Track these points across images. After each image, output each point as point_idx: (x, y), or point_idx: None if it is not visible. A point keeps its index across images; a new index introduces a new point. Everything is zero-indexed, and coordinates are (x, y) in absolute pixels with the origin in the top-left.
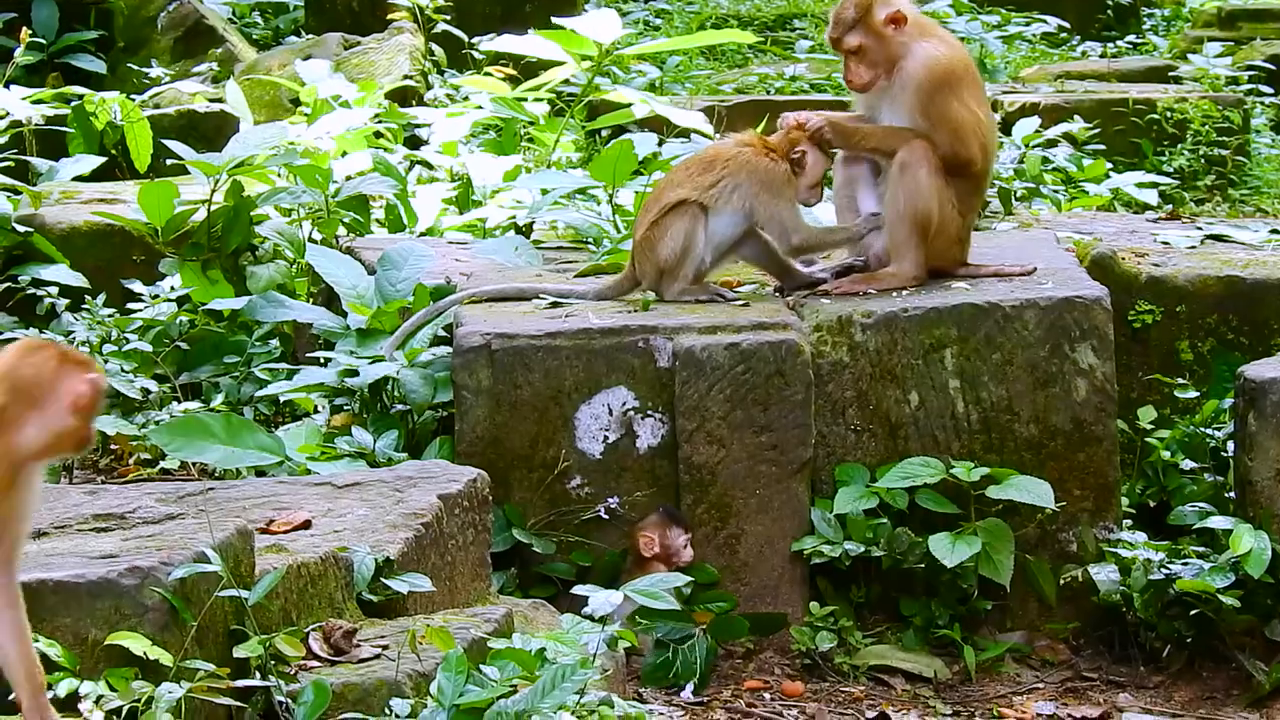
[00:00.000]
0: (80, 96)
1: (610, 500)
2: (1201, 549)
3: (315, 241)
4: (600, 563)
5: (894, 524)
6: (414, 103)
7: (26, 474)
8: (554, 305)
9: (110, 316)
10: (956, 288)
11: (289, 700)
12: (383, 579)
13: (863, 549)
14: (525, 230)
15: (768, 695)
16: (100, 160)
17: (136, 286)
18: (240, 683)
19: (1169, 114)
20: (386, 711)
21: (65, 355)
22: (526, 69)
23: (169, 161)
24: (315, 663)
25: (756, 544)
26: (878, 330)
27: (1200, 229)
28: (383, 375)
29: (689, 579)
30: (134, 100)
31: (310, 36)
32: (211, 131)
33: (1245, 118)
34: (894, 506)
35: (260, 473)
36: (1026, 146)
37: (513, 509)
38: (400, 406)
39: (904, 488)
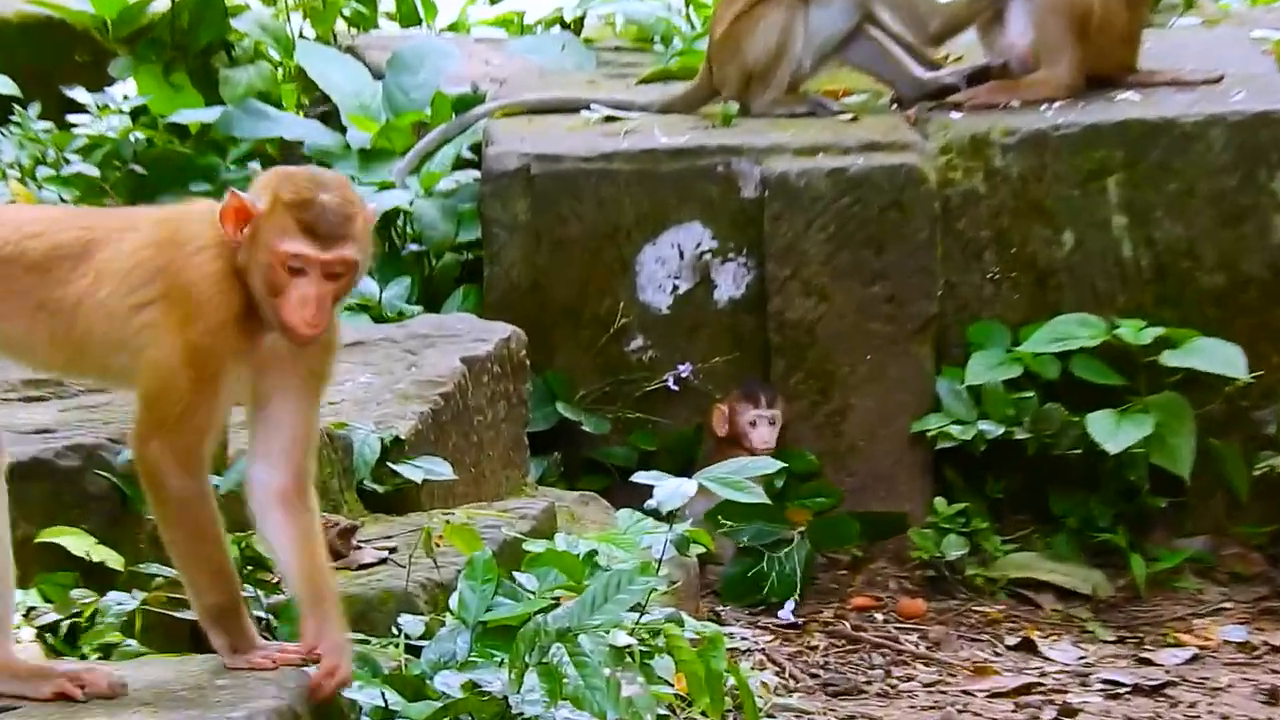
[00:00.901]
0: None
1: (680, 367)
2: None
3: (307, 38)
4: (668, 445)
5: (1042, 398)
6: None
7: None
8: (610, 119)
9: (46, 132)
10: (1122, 99)
11: (270, 616)
12: (390, 464)
13: (1002, 430)
14: (574, 26)
15: (880, 616)
16: None
17: (80, 94)
18: None
19: None
20: (394, 630)
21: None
22: None
23: None
24: None
25: (867, 423)
26: (1022, 152)
27: None
28: (392, 207)
29: (781, 465)
30: None
31: None
32: None
33: None
34: (1042, 376)
35: None
36: None
37: (556, 377)
38: (414, 246)
39: (1055, 352)
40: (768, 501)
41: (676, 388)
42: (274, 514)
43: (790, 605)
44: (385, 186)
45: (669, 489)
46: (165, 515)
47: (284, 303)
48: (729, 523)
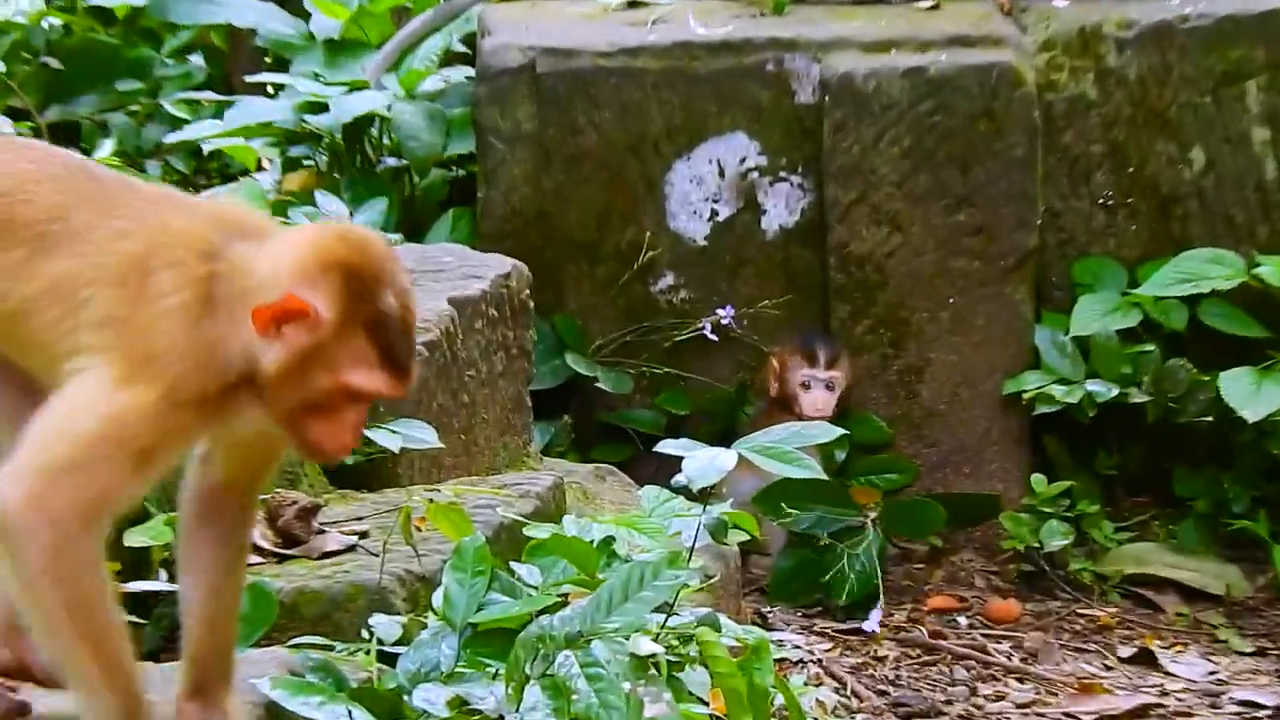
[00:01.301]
0: None
1: (720, 311)
2: None
3: None
4: (704, 407)
5: (1165, 353)
6: None
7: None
8: (634, 4)
9: None
10: None
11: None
12: (361, 428)
13: (1116, 392)
14: None
15: (964, 620)
16: None
17: None
18: (136, 585)
19: None
20: (364, 634)
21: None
22: None
23: None
24: (254, 557)
25: (949, 383)
26: (1143, 49)
27: None
28: (366, 112)
29: (841, 433)
30: None
31: None
32: None
33: None
34: (1165, 326)
35: None
36: None
37: (566, 323)
38: (392, 161)
39: (1181, 296)
40: (824, 477)
41: (715, 337)
42: (204, 527)
43: (876, 614)
44: (357, 87)
45: (703, 461)
46: (26, 581)
47: (319, 424)
48: (790, 510)
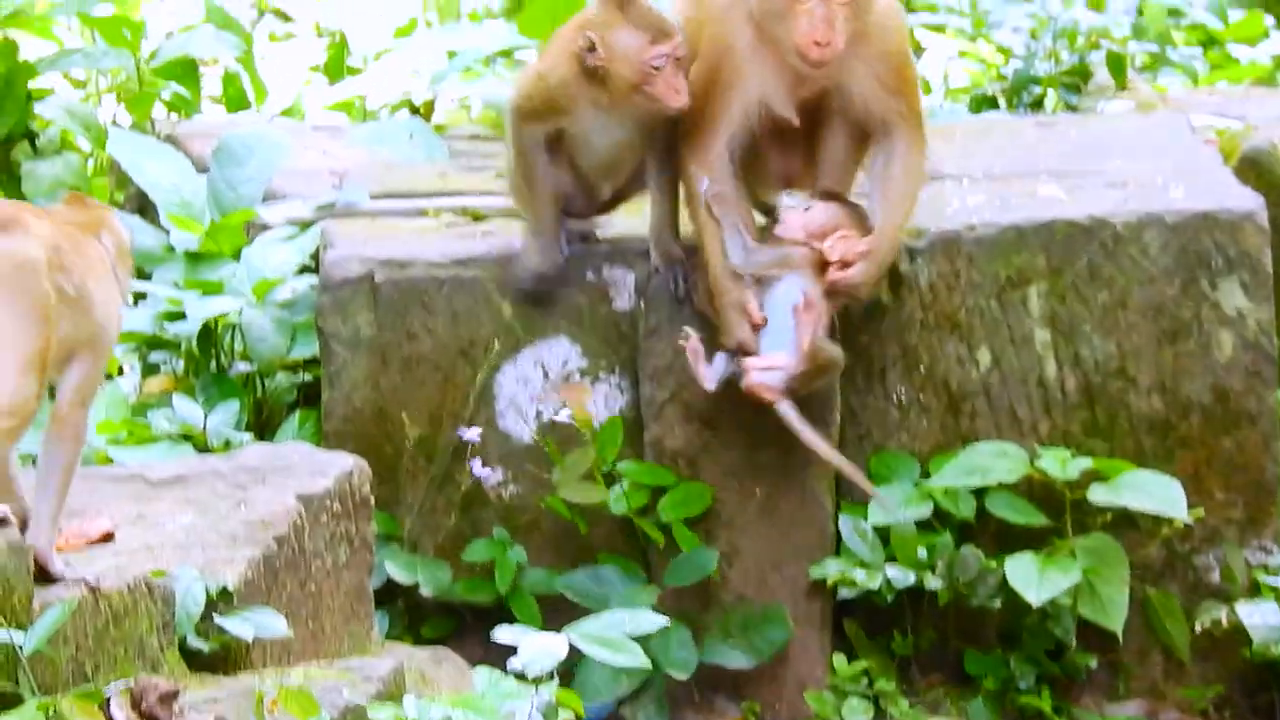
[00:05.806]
0: None
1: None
2: None
3: (121, 126)
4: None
5: (957, 540)
6: None
7: None
8: (474, 217)
9: None
10: (1047, 196)
11: None
12: (217, 617)
13: (912, 577)
14: (424, 111)
15: None
16: None
17: None
18: None
19: None
20: None
21: None
22: None
23: None
24: None
25: (756, 569)
26: (932, 256)
27: None
28: (219, 314)
29: (662, 623)
30: None
31: None
32: None
33: None
34: (955, 516)
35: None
36: None
37: (389, 521)
38: (243, 365)
39: (970, 487)
40: (647, 666)
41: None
42: None
43: None
44: (211, 290)
45: (536, 648)
46: None
47: None
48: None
